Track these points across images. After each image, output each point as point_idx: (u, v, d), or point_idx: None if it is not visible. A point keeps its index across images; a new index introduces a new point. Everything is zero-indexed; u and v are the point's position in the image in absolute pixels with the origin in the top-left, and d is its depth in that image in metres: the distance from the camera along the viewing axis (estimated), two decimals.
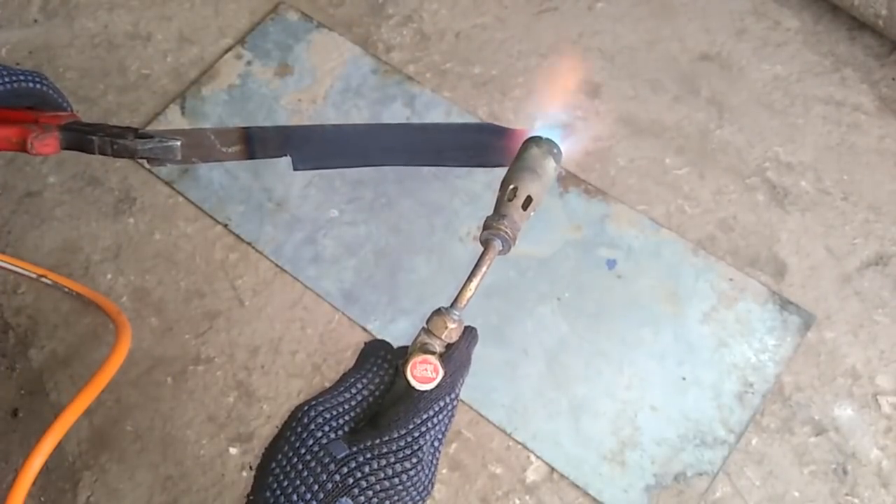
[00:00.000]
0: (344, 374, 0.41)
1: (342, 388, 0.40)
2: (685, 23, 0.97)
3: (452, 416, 0.41)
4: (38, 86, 0.48)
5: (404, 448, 0.37)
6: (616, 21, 0.98)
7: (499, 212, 0.42)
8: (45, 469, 0.75)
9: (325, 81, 0.95)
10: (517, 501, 0.72)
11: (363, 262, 0.84)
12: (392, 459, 0.36)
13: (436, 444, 0.39)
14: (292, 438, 0.37)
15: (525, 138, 0.46)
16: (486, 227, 0.42)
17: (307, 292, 0.83)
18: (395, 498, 0.36)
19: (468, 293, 0.42)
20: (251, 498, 0.37)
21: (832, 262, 0.81)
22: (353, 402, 0.39)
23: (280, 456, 0.37)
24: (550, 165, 0.43)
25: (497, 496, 0.72)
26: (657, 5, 0.99)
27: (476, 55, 0.96)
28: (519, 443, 0.74)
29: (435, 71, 0.95)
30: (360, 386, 0.40)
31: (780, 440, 0.73)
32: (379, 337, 0.79)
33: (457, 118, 0.91)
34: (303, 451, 0.36)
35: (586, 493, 0.72)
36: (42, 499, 0.75)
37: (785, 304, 0.78)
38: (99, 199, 0.90)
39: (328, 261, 0.84)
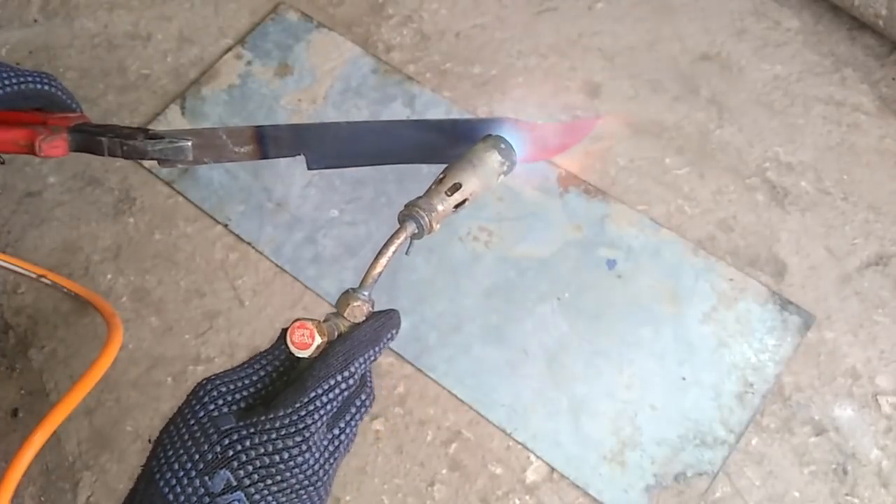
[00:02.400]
0: (252, 355, 0.41)
1: (245, 366, 0.40)
2: (685, 23, 0.97)
3: (359, 399, 0.39)
4: (46, 87, 0.47)
5: (288, 426, 0.36)
6: (616, 21, 0.98)
7: (423, 195, 0.42)
8: (45, 469, 0.75)
9: (325, 81, 0.95)
10: (517, 501, 0.72)
11: (363, 262, 0.83)
12: (274, 436, 0.35)
13: (335, 430, 0.38)
14: (185, 410, 0.37)
15: (540, 130, 0.45)
16: (405, 207, 0.42)
17: (307, 292, 0.83)
18: (278, 477, 0.35)
19: (375, 272, 0.41)
20: (142, 468, 0.37)
21: (832, 262, 0.81)
22: (252, 379, 0.39)
23: (171, 427, 0.37)
24: (493, 158, 0.43)
25: (497, 496, 0.72)
26: (657, 5, 0.99)
27: (476, 55, 0.96)
28: (519, 443, 0.74)
29: (435, 71, 0.95)
30: (262, 364, 0.40)
31: (780, 440, 0.73)
32: None
33: (457, 118, 0.91)
34: (192, 421, 0.36)
35: (586, 493, 0.72)
36: (42, 499, 0.75)
37: (785, 304, 0.78)
38: (99, 199, 0.90)
39: (328, 261, 0.84)
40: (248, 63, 0.97)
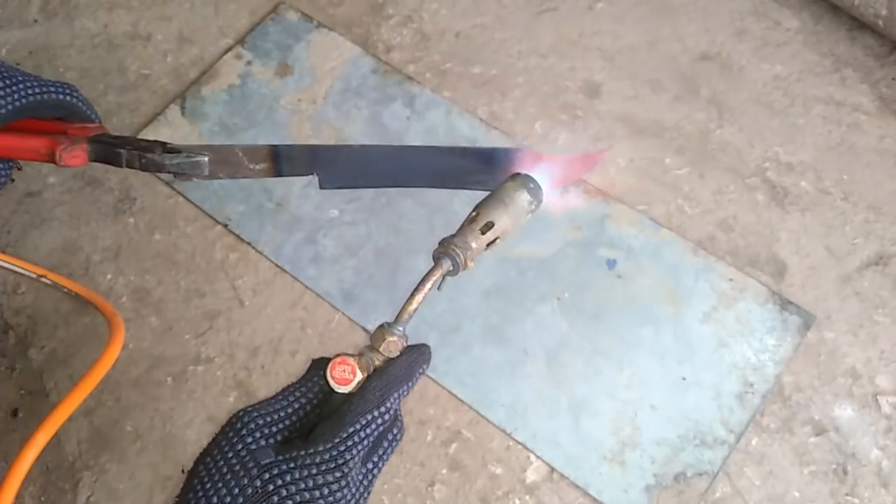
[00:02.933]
0: (286, 387, 0.41)
1: (280, 398, 0.39)
2: (685, 23, 0.97)
3: (391, 433, 0.40)
4: (68, 97, 0.48)
5: (328, 461, 0.36)
6: (616, 21, 0.98)
7: (457, 232, 0.43)
8: (45, 469, 0.75)
9: (325, 81, 0.95)
10: (517, 501, 0.72)
11: (363, 262, 0.84)
12: (315, 471, 0.36)
13: (369, 465, 0.39)
14: (223, 442, 0.37)
15: (551, 162, 0.46)
16: (440, 245, 0.43)
17: (307, 292, 0.83)
18: None
19: (410, 308, 0.42)
20: (177, 500, 0.37)
21: (832, 262, 0.81)
22: (287, 412, 0.39)
23: (209, 459, 0.36)
24: (523, 198, 0.44)
25: (497, 496, 0.72)
26: (657, 5, 0.99)
27: (476, 55, 0.96)
28: (519, 443, 0.74)
29: (435, 71, 0.95)
30: (296, 395, 0.40)
31: (780, 440, 0.73)
32: None
33: (457, 118, 0.91)
34: (230, 454, 0.36)
35: (586, 493, 0.72)
36: (42, 499, 0.75)
37: (785, 304, 0.78)
38: (99, 199, 0.90)
39: (328, 261, 0.84)
40: (248, 63, 0.97)
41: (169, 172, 0.48)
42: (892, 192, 0.84)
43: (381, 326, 0.41)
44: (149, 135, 0.94)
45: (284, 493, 0.35)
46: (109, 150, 0.48)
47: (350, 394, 0.39)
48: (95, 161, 0.49)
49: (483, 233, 0.43)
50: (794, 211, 0.84)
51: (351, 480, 0.37)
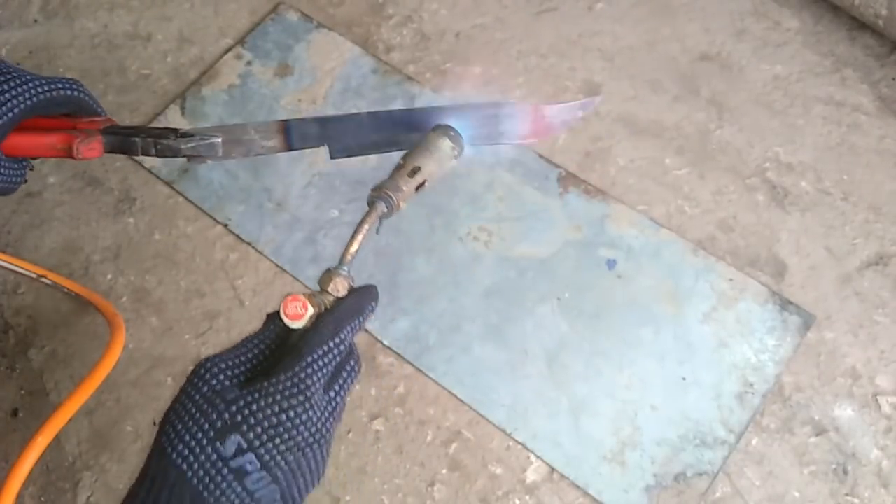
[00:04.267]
0: (245, 336, 0.43)
1: (240, 345, 0.42)
2: (685, 23, 0.97)
3: (349, 363, 0.43)
4: (76, 93, 0.49)
5: (291, 387, 0.38)
6: (616, 21, 0.98)
7: (388, 178, 0.47)
8: (46, 469, 0.75)
9: (325, 81, 0.95)
10: (517, 501, 0.72)
11: (363, 262, 0.84)
12: (279, 397, 0.38)
13: (331, 393, 0.41)
14: (189, 388, 0.39)
15: (542, 112, 0.48)
16: (372, 190, 0.47)
17: (307, 292, 0.82)
18: (286, 436, 0.38)
19: (352, 249, 0.46)
20: (152, 447, 0.39)
21: (832, 262, 0.81)
22: (248, 356, 0.41)
23: (178, 406, 0.39)
24: (445, 144, 0.48)
25: (497, 496, 0.72)
26: (657, 5, 0.99)
27: (476, 55, 0.96)
28: (519, 443, 0.74)
29: (435, 71, 0.95)
30: (255, 342, 0.42)
31: (780, 440, 0.73)
32: (378, 337, 0.79)
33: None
34: (197, 396, 0.38)
35: (586, 493, 0.72)
36: (42, 499, 0.75)
37: (785, 304, 0.78)
38: (99, 199, 0.90)
39: (328, 261, 0.83)
40: (248, 63, 0.97)
41: (184, 156, 0.50)
42: (892, 192, 0.84)
43: (327, 270, 0.45)
44: None
45: (252, 420, 0.37)
46: (124, 139, 0.49)
47: (305, 330, 0.42)
48: (111, 152, 0.50)
49: (411, 176, 0.47)
50: (794, 211, 0.84)
51: (315, 404, 0.39)
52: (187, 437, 0.37)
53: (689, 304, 0.79)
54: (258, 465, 0.36)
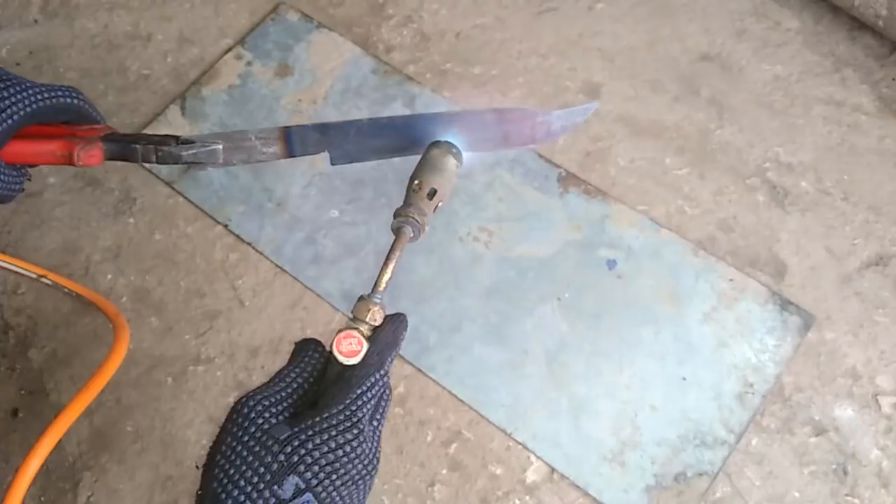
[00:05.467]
0: (279, 370, 0.42)
1: (278, 380, 0.41)
2: (685, 23, 0.97)
3: (386, 393, 0.43)
4: (75, 101, 0.49)
5: (343, 421, 0.38)
6: (616, 21, 0.98)
7: (407, 203, 0.47)
8: (46, 469, 0.75)
9: (325, 81, 0.95)
10: (517, 501, 0.72)
11: (363, 262, 0.84)
12: (333, 433, 0.37)
13: (374, 423, 0.41)
14: (234, 429, 0.38)
15: (542, 118, 0.49)
16: (396, 216, 0.46)
17: (307, 292, 0.82)
18: (342, 471, 0.37)
19: (385, 277, 0.45)
20: (199, 493, 0.37)
21: (832, 263, 0.81)
22: (289, 391, 0.40)
23: (224, 447, 0.37)
24: (450, 162, 0.48)
25: (497, 496, 0.72)
26: (657, 5, 0.99)
27: (476, 55, 0.96)
28: (519, 443, 0.74)
29: (435, 71, 0.95)
30: (294, 375, 0.41)
31: (781, 440, 0.73)
32: None
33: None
34: (245, 438, 0.37)
35: (586, 494, 0.72)
36: (42, 499, 0.75)
37: (785, 304, 0.78)
38: (99, 200, 0.90)
39: (328, 261, 0.84)
40: (248, 63, 0.97)
41: (185, 163, 0.50)
42: (892, 193, 0.84)
43: (362, 298, 0.44)
44: None
45: (310, 459, 0.36)
46: (124, 146, 0.49)
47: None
48: (111, 159, 0.50)
49: (430, 199, 0.47)
50: (795, 211, 0.84)
51: (366, 437, 0.39)
52: (242, 483, 0.35)
53: (689, 305, 0.79)
54: (315, 503, 0.36)
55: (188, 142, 0.49)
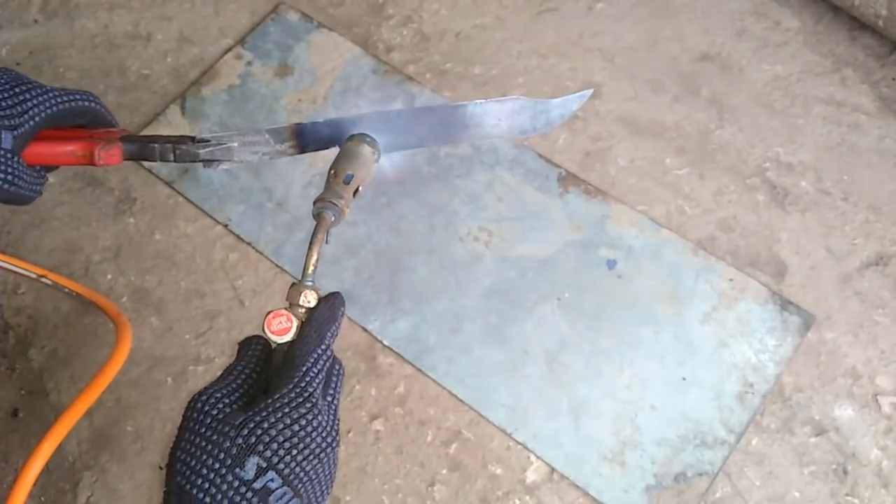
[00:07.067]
0: (227, 366, 0.43)
1: (226, 374, 0.42)
2: (685, 23, 0.97)
3: (336, 368, 0.44)
4: (93, 104, 0.51)
5: (295, 398, 0.39)
6: (616, 21, 0.98)
7: (325, 189, 0.49)
8: (46, 469, 0.75)
9: (325, 81, 0.95)
10: (517, 501, 0.72)
11: (363, 262, 0.84)
12: (287, 410, 0.38)
13: (328, 398, 0.42)
14: (190, 424, 0.39)
15: (543, 107, 0.50)
16: (315, 202, 0.48)
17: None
18: (301, 445, 0.38)
19: (311, 261, 0.47)
20: (165, 491, 0.38)
21: (832, 263, 0.81)
22: (238, 381, 0.41)
23: (183, 443, 0.38)
24: (366, 150, 0.51)
25: (497, 496, 0.72)
26: (657, 5, 0.99)
27: (476, 55, 0.96)
28: (519, 443, 0.74)
29: (435, 71, 0.95)
30: (241, 367, 0.43)
31: (781, 440, 0.73)
32: (379, 337, 0.79)
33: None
34: (202, 429, 0.38)
35: (586, 494, 0.72)
36: (42, 499, 0.75)
37: (785, 304, 0.78)
38: (99, 200, 0.90)
39: (328, 261, 0.84)
40: (248, 63, 0.97)
41: (202, 161, 0.51)
42: (892, 192, 0.84)
43: (294, 284, 0.46)
44: None
45: (267, 438, 0.37)
46: (143, 146, 0.51)
47: (290, 344, 0.43)
48: (130, 159, 0.51)
49: (347, 184, 0.50)
50: (795, 211, 0.84)
51: (320, 410, 0.40)
52: (204, 470, 0.36)
53: (689, 304, 0.79)
54: (280, 481, 0.36)
55: (204, 140, 0.51)
